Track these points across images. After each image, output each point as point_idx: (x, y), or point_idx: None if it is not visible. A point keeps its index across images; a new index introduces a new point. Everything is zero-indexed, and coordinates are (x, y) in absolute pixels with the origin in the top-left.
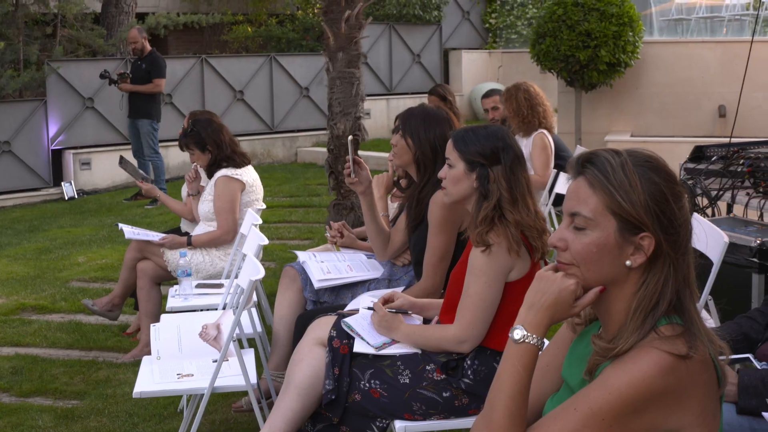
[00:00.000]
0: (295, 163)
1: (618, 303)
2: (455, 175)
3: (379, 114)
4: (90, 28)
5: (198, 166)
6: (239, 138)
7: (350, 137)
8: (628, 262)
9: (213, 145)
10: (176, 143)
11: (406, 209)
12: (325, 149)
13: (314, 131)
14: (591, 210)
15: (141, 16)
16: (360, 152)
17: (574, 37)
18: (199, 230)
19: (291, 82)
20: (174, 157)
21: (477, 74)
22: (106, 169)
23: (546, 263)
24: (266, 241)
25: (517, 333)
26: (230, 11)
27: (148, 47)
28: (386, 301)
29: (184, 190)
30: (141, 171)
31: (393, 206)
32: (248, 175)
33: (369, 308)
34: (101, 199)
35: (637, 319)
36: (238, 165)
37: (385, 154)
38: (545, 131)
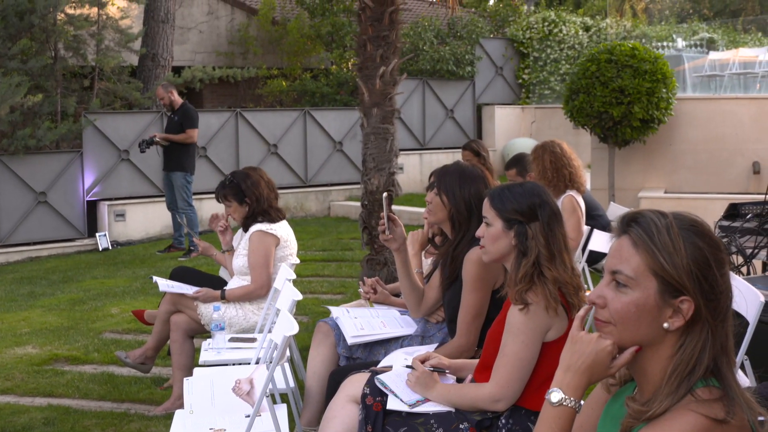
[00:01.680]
0: (328, 217)
1: (654, 365)
2: (493, 234)
3: (412, 168)
4: (127, 81)
5: (227, 219)
6: None
7: (384, 194)
8: (665, 325)
9: (252, 197)
10: (210, 196)
11: (441, 266)
12: (358, 203)
13: (347, 185)
14: (633, 269)
15: (177, 70)
16: (394, 207)
17: (608, 93)
18: (233, 284)
19: (324, 135)
20: (208, 209)
21: (510, 129)
22: (140, 220)
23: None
24: (300, 297)
25: (555, 396)
26: (265, 65)
27: (179, 100)
28: (422, 360)
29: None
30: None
31: (427, 263)
32: (282, 230)
33: (408, 366)
34: (135, 250)
35: (673, 383)
36: (273, 219)
37: (418, 209)
38: (574, 193)
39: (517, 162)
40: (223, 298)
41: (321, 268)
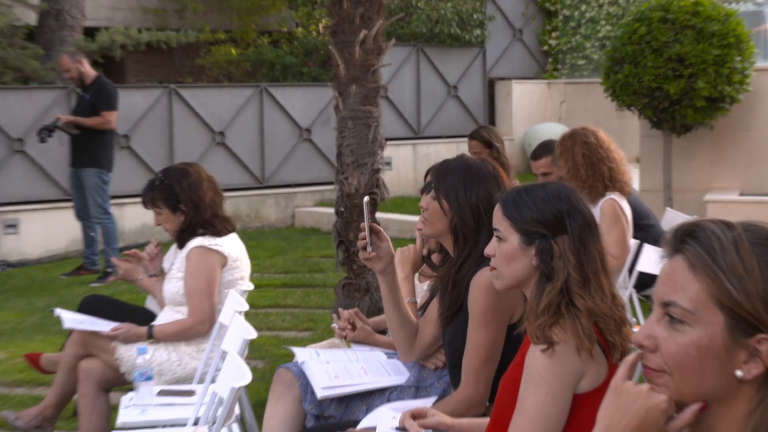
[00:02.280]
0: (292, 228)
1: (724, 426)
2: (508, 252)
3: (403, 164)
4: (21, 46)
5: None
6: None
7: (366, 198)
8: (739, 373)
9: (190, 203)
10: (133, 201)
11: (440, 294)
12: (331, 209)
13: (317, 186)
14: (690, 300)
15: (90, 32)
16: (378, 215)
17: (662, 63)
18: (164, 318)
19: (287, 120)
20: (131, 218)
21: (532, 112)
22: (38, 233)
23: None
24: (254, 335)
25: None
26: (208, 28)
27: (92, 73)
28: (415, 416)
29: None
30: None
31: (422, 288)
32: (231, 245)
33: (398, 429)
34: (31, 273)
35: None
36: (219, 232)
37: (411, 218)
38: (616, 196)
39: (550, 149)
40: (150, 336)
41: (282, 297)
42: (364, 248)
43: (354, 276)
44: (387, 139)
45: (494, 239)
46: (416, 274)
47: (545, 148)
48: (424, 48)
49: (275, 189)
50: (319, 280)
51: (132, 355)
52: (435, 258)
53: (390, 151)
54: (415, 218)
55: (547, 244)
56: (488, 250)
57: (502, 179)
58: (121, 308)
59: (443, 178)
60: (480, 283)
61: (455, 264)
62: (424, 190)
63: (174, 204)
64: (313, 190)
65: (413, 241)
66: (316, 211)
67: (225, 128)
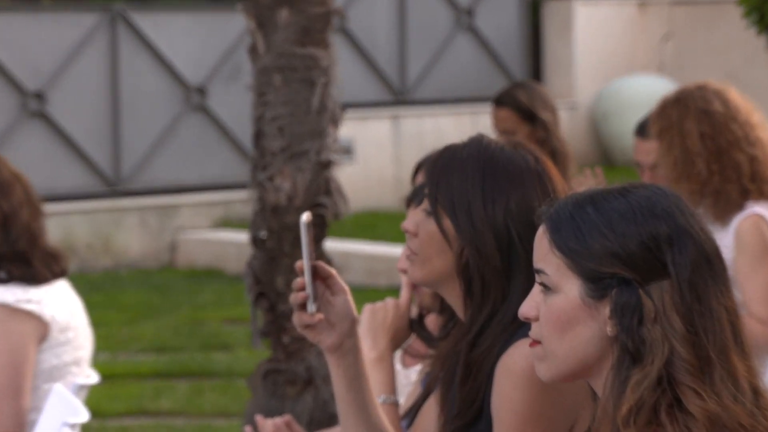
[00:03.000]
0: (171, 269)
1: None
2: (561, 311)
3: (376, 152)
4: None
5: None
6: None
7: (305, 216)
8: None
9: None
10: None
11: (441, 388)
12: (243, 236)
13: (217, 193)
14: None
15: None
16: (330, 245)
17: None
18: None
19: (163, 72)
20: None
21: (612, 56)
22: None
23: None
24: None
25: None
26: None
27: None
28: None
29: None
30: None
31: (408, 377)
32: (57, 303)
33: None
34: None
35: None
36: (36, 278)
37: (390, 249)
38: (764, 208)
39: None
40: None
41: (153, 396)
42: (304, 306)
43: (284, 357)
44: (346, 107)
45: (536, 289)
46: (398, 353)
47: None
48: None
49: (139, 198)
50: (221, 363)
51: None
52: (431, 322)
53: (352, 129)
54: (397, 250)
55: (633, 298)
56: (526, 309)
57: (551, 180)
58: None
59: (446, 178)
60: (513, 370)
61: (468, 334)
62: (412, 199)
63: None
64: (208, 201)
65: (395, 292)
66: (214, 238)
67: (45, 86)
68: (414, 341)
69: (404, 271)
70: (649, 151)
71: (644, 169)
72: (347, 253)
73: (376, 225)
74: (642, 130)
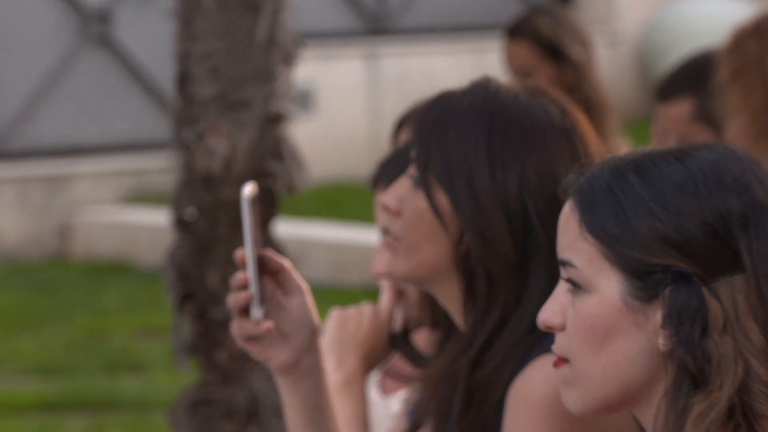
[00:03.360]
0: (62, 261)
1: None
2: (596, 315)
3: (345, 100)
4: None
5: None
6: None
7: (246, 190)
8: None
9: None
10: None
11: (434, 420)
12: (161, 218)
13: (125, 155)
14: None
15: None
16: (283, 231)
17: None
18: None
19: None
20: None
21: None
22: None
23: None
24: None
25: None
26: None
27: None
28: None
29: None
30: None
31: (387, 406)
32: None
33: None
34: None
35: None
36: None
37: (363, 236)
38: None
39: (701, 78)
40: None
41: None
42: (247, 311)
43: (219, 381)
44: (304, 40)
45: (562, 287)
46: (375, 376)
47: (690, 75)
48: None
49: (18, 164)
50: (130, 391)
51: None
52: (422, 340)
53: (313, 71)
54: (373, 236)
55: (694, 299)
56: (548, 316)
57: (582, 140)
58: None
59: (440, 138)
60: (531, 398)
61: (469, 349)
62: (389, 168)
63: None
64: (113, 168)
65: (372, 295)
66: (122, 219)
67: None
68: (396, 361)
69: (383, 276)
70: (667, 117)
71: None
72: (306, 239)
73: (345, 201)
74: (662, 92)
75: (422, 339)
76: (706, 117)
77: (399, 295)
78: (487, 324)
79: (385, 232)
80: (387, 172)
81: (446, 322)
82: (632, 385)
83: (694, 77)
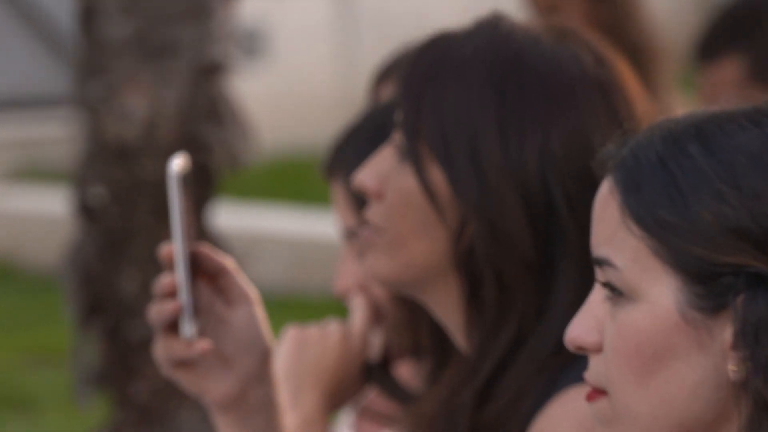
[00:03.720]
0: None
1: None
2: (644, 331)
3: (306, 45)
4: None
5: None
6: None
7: (174, 165)
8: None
9: None
10: None
11: None
12: (60, 202)
13: (9, 116)
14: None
15: None
16: (223, 217)
17: None
18: None
19: None
20: None
21: None
22: None
23: None
24: None
25: None
26: None
27: None
28: None
29: None
30: None
31: None
32: None
33: None
34: None
35: None
36: None
37: (334, 231)
38: None
39: (748, 28)
40: None
41: None
42: (175, 327)
43: (136, 420)
44: None
45: (598, 294)
46: (346, 414)
47: (738, 23)
48: None
49: None
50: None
51: None
52: (404, 370)
53: (263, 7)
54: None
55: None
56: (579, 332)
57: (625, 98)
58: None
59: (435, 95)
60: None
61: (474, 377)
62: (355, 143)
63: None
64: None
65: (341, 309)
66: (1, 207)
67: None
68: (374, 398)
69: (350, 292)
70: (730, 80)
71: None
72: (256, 230)
73: (307, 180)
74: (711, 46)
75: (406, 371)
76: (766, 74)
77: (376, 312)
78: (499, 344)
79: (354, 232)
80: (351, 149)
81: (441, 344)
82: (692, 426)
83: (743, 26)
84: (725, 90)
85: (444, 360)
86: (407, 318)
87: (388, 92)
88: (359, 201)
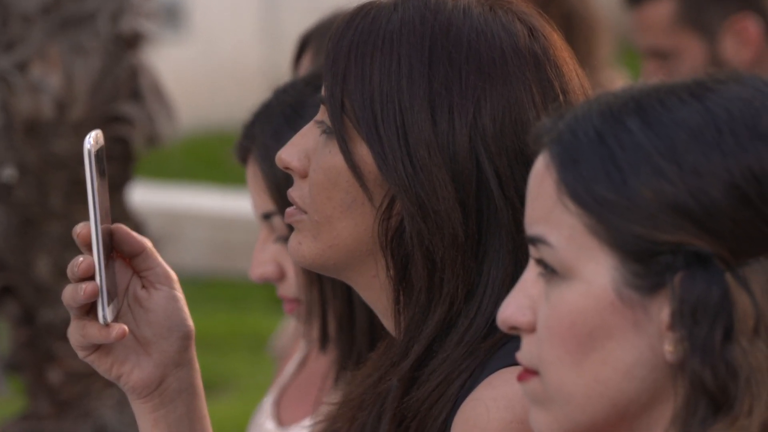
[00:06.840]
0: None
1: None
2: (578, 311)
3: (228, 14)
4: None
5: None
6: None
7: (89, 141)
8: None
9: None
10: None
11: None
12: None
13: None
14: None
15: None
16: (139, 195)
17: None
18: None
19: None
20: None
21: None
22: None
23: None
24: None
25: None
26: None
27: None
28: None
29: None
30: None
31: None
32: None
33: None
34: None
35: None
36: None
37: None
38: None
39: None
40: None
41: None
42: (89, 311)
43: (52, 410)
44: None
45: (532, 273)
46: (269, 398)
47: None
48: None
49: None
50: None
51: None
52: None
53: None
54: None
55: (715, 290)
56: (511, 312)
57: (560, 71)
58: None
59: (361, 66)
60: (487, 428)
61: (402, 360)
62: (270, 119)
63: None
64: None
65: (270, 288)
66: None
67: None
68: (296, 381)
69: (267, 280)
70: (656, 23)
71: (649, 58)
72: (176, 210)
73: (230, 158)
74: None
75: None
76: (693, 18)
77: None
78: (428, 326)
79: (269, 214)
80: (264, 128)
81: (367, 328)
82: (627, 407)
83: None
84: (651, 36)
85: (372, 343)
86: (317, 305)
87: (311, 63)
88: (275, 182)
